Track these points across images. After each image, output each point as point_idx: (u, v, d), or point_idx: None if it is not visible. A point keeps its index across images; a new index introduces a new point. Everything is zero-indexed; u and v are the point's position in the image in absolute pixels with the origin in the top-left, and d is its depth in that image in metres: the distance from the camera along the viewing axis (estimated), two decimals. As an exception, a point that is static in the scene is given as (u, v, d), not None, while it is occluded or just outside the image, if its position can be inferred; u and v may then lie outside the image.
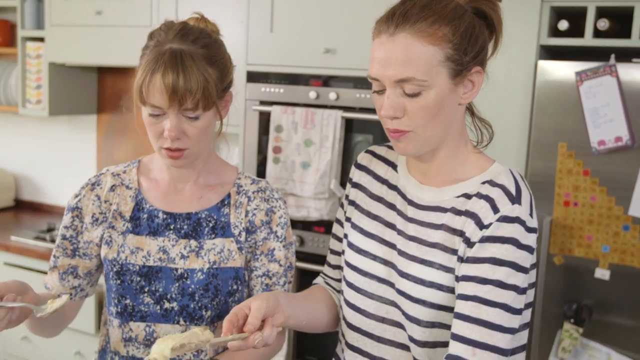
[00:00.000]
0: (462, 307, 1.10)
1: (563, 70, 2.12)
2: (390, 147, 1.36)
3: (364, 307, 1.27)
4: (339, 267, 1.41)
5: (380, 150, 1.37)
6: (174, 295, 1.39)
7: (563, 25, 2.19)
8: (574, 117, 2.11)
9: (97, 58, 3.25)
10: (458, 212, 1.17)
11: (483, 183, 1.18)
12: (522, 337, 1.22)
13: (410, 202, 1.24)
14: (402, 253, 1.21)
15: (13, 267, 3.18)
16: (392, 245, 1.24)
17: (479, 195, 1.15)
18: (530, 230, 1.12)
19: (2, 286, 1.25)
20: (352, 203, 1.35)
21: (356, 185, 1.36)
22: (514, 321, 1.10)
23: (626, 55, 2.14)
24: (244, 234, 1.42)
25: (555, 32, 2.24)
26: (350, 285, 1.30)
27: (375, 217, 1.29)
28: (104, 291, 1.57)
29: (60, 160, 3.81)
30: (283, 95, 2.61)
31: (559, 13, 2.28)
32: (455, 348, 1.08)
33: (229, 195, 1.45)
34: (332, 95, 2.50)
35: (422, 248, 1.19)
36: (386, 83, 1.12)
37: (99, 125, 3.70)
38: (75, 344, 3.12)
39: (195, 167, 1.43)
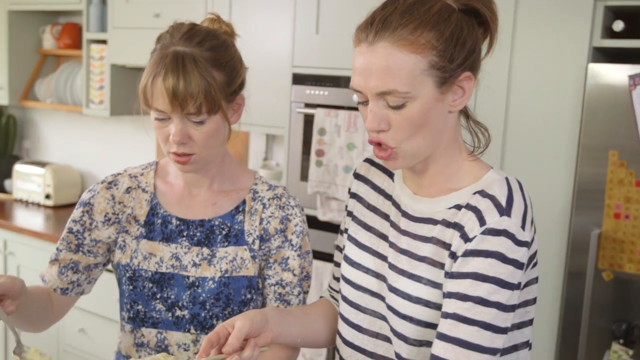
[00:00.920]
0: (441, 325, 1.04)
1: (615, 74, 1.99)
2: None
3: (357, 322, 1.22)
4: None
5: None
6: (185, 304, 1.37)
7: (618, 25, 2.06)
8: (625, 124, 1.98)
9: (155, 60, 3.31)
10: (448, 225, 1.10)
11: (474, 193, 1.09)
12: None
13: (404, 214, 1.18)
14: (392, 267, 1.15)
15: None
16: (384, 258, 1.18)
17: (468, 207, 1.08)
18: (520, 243, 1.03)
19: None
20: (349, 214, 1.30)
21: (354, 196, 1.30)
22: (496, 340, 1.01)
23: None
24: (257, 242, 1.38)
25: (610, 33, 2.11)
26: (344, 299, 1.24)
27: (370, 229, 1.23)
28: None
29: (122, 158, 3.91)
30: (327, 98, 2.58)
31: (615, 13, 2.15)
32: None
33: (243, 202, 1.41)
34: (375, 98, 2.45)
35: (412, 262, 1.12)
36: (368, 95, 1.06)
37: (159, 126, 3.78)
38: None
39: (208, 172, 1.40)
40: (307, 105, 2.63)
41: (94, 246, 1.43)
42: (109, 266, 1.47)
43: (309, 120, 2.62)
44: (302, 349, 1.58)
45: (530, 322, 1.16)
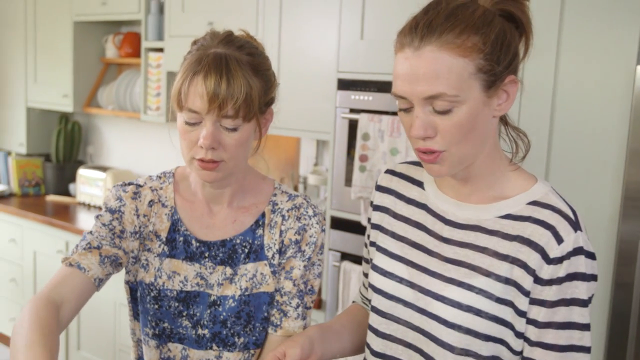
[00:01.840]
0: (543, 356, 1.06)
1: (665, 76, 1.91)
2: (413, 164, 1.28)
3: (389, 332, 1.20)
4: None
5: (401, 168, 1.29)
6: (206, 322, 1.35)
7: (669, 25, 1.98)
8: (675, 128, 1.90)
9: (208, 67, 3.39)
10: (506, 236, 1.09)
11: (530, 204, 1.09)
12: None
13: (447, 221, 1.16)
14: (437, 275, 1.13)
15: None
16: (420, 268, 1.16)
17: (533, 220, 1.07)
18: (594, 257, 1.07)
19: None
20: (376, 227, 1.28)
21: (378, 208, 1.29)
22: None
23: None
24: (277, 256, 1.36)
25: (661, 33, 2.02)
26: (375, 309, 1.23)
27: (400, 238, 1.22)
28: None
29: (177, 163, 4.00)
30: (372, 103, 2.58)
31: (667, 12, 2.06)
32: None
33: (263, 215, 1.37)
34: (419, 103, 2.43)
35: (460, 270, 1.11)
36: (414, 101, 1.04)
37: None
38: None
39: (229, 187, 1.36)
40: (352, 111, 2.63)
41: (124, 257, 1.36)
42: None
43: (353, 126, 2.62)
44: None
45: None
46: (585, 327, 1.05)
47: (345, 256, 2.70)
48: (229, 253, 1.35)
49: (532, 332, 1.07)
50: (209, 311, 1.34)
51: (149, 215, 1.37)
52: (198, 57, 1.22)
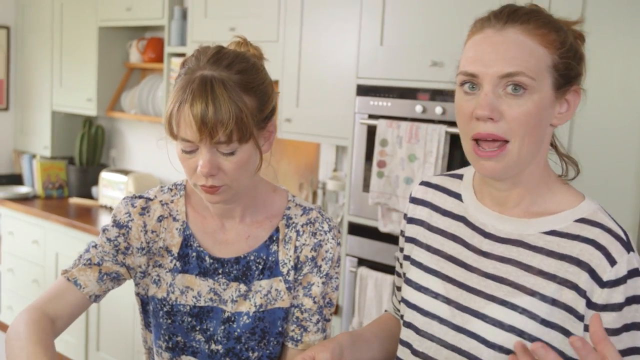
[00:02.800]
0: None
1: (687, 84, 1.89)
2: (449, 175, 1.25)
3: (422, 350, 1.15)
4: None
5: (437, 180, 1.26)
6: (219, 338, 1.33)
7: (692, 33, 1.95)
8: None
9: (229, 72, 3.42)
10: (551, 254, 1.05)
11: (578, 221, 1.05)
12: None
13: (486, 234, 1.12)
14: (477, 292, 1.09)
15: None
16: (457, 283, 1.12)
17: (582, 239, 1.03)
18: None
19: None
20: (410, 240, 1.24)
21: (412, 221, 1.25)
22: None
23: None
24: (292, 272, 1.33)
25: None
26: (408, 325, 1.18)
27: (436, 251, 1.17)
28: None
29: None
30: (390, 109, 2.58)
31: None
32: None
33: (277, 230, 1.34)
34: (438, 110, 2.42)
35: (502, 288, 1.06)
36: (486, 80, 1.01)
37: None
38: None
39: (239, 202, 1.32)
40: (371, 117, 2.63)
41: (128, 273, 1.36)
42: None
43: (371, 131, 2.62)
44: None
45: None
46: None
47: (362, 262, 2.69)
48: (243, 270, 1.33)
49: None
50: (223, 327, 1.32)
51: (158, 231, 1.34)
52: (184, 83, 1.18)
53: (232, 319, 1.32)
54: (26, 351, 1.13)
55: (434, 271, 1.16)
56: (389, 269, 2.60)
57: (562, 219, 1.07)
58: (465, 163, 2.42)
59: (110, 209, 4.17)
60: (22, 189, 4.49)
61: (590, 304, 1.01)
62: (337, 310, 2.77)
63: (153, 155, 4.37)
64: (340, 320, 2.77)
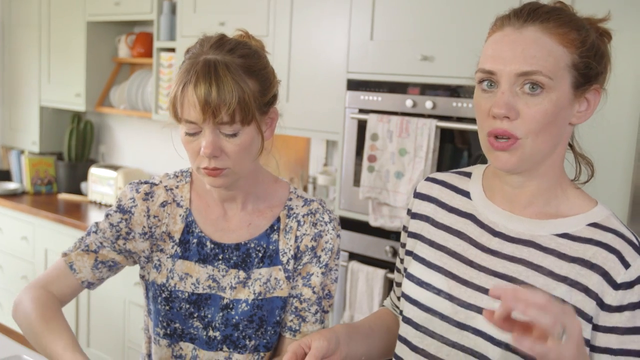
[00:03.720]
0: None
1: (675, 78, 1.90)
2: (456, 173, 1.24)
3: (422, 347, 1.14)
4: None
5: (443, 176, 1.25)
6: (217, 325, 1.34)
7: (680, 27, 1.97)
8: (685, 130, 1.89)
9: (219, 67, 3.41)
10: (563, 257, 1.05)
11: (590, 225, 1.06)
12: None
13: (496, 233, 1.11)
14: (484, 290, 1.08)
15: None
16: (461, 280, 1.11)
17: (595, 243, 1.04)
18: None
19: None
20: (414, 235, 1.23)
21: (417, 216, 1.24)
22: None
23: None
24: (292, 262, 1.34)
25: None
26: (408, 321, 1.17)
27: (439, 247, 1.16)
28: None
29: (188, 163, 4.02)
30: (380, 104, 2.58)
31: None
32: None
33: (278, 220, 1.36)
34: (428, 104, 2.43)
35: (510, 286, 1.06)
36: (503, 78, 1.02)
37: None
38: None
39: (241, 188, 1.34)
40: (361, 111, 2.64)
41: (131, 254, 1.39)
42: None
43: (362, 126, 2.63)
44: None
45: None
46: None
47: (353, 256, 2.70)
48: (242, 257, 1.34)
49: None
50: (221, 314, 1.34)
51: (160, 217, 1.36)
52: (188, 67, 1.21)
53: (231, 305, 1.33)
54: (41, 317, 1.27)
55: (436, 267, 1.15)
56: (379, 263, 2.61)
57: (575, 222, 1.07)
58: (455, 158, 2.44)
59: (100, 204, 4.15)
60: (11, 185, 4.46)
61: (603, 306, 1.01)
62: (328, 305, 2.78)
63: (142, 150, 4.35)
64: (332, 314, 2.78)
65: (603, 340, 1.02)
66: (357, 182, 2.66)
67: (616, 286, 1.00)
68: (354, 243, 2.70)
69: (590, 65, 1.03)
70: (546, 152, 1.06)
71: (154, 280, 1.36)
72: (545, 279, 1.04)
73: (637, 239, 1.05)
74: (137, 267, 1.43)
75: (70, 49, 4.19)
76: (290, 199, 1.38)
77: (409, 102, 2.48)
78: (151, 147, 4.30)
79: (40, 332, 1.26)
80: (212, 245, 1.34)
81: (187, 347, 1.37)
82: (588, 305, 1.02)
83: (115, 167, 4.16)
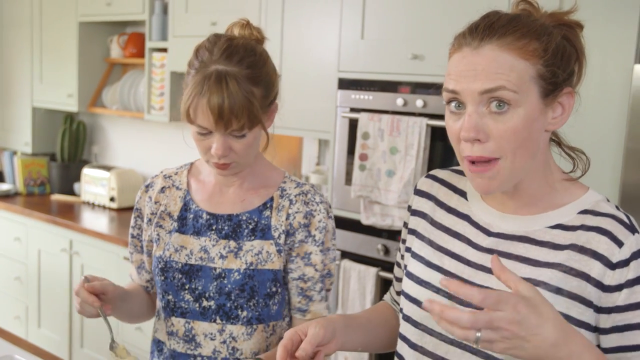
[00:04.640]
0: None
1: (662, 75, 1.92)
2: (456, 171, 1.24)
3: (421, 344, 1.15)
4: None
5: (443, 174, 1.25)
6: (211, 294, 1.42)
7: (667, 25, 1.98)
8: (672, 127, 1.90)
9: (211, 67, 3.41)
10: (557, 247, 1.05)
11: (581, 212, 1.06)
12: None
13: (491, 234, 1.12)
14: (482, 287, 1.07)
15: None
16: (460, 279, 1.11)
17: (587, 228, 1.04)
18: None
19: (100, 287, 1.38)
20: (412, 232, 1.24)
21: (416, 213, 1.25)
22: None
23: None
24: (283, 236, 1.42)
25: (659, 32, 2.03)
26: (408, 319, 1.18)
27: (439, 248, 1.17)
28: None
29: (181, 162, 4.03)
30: (372, 102, 2.59)
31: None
32: None
33: (271, 199, 1.45)
34: (419, 103, 2.44)
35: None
36: (468, 99, 1.00)
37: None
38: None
39: (242, 172, 1.46)
40: (353, 110, 2.65)
41: (147, 245, 1.53)
42: None
43: (353, 125, 2.63)
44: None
45: None
46: None
47: (345, 254, 2.71)
48: (233, 227, 1.44)
49: (618, 339, 1.03)
50: (215, 283, 1.42)
51: (161, 200, 1.51)
52: (202, 78, 1.31)
53: (223, 275, 1.42)
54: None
55: (436, 266, 1.16)
56: (371, 262, 2.62)
57: (566, 212, 1.08)
58: (446, 156, 2.45)
59: (93, 205, 4.15)
60: (3, 186, 4.45)
61: (604, 288, 1.02)
62: (320, 303, 2.79)
63: (135, 150, 4.35)
64: (324, 312, 2.79)
65: (609, 320, 1.03)
66: (348, 181, 2.67)
67: (612, 266, 1.01)
68: (346, 242, 2.71)
69: (556, 72, 1.01)
70: (526, 167, 1.05)
71: (154, 253, 1.49)
72: (541, 270, 1.05)
73: (628, 217, 1.05)
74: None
75: (62, 50, 4.18)
76: (285, 182, 1.48)
77: (399, 101, 2.49)
78: (144, 147, 4.30)
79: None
80: (208, 217, 1.46)
81: (178, 323, 1.45)
82: (585, 290, 1.02)
83: (108, 168, 4.16)
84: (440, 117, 2.40)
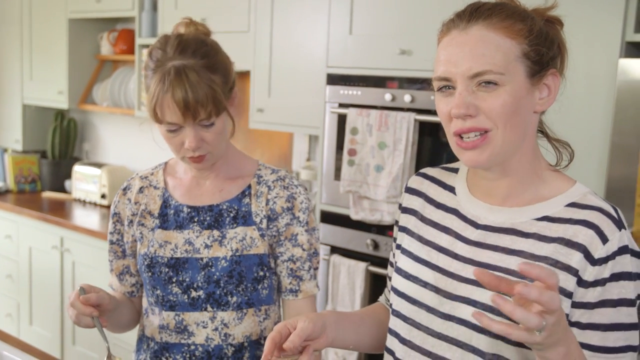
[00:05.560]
0: (590, 357, 1.03)
1: (647, 69, 1.93)
2: (446, 169, 1.26)
3: (409, 338, 1.16)
4: None
5: (433, 172, 1.27)
6: (200, 284, 1.44)
7: (652, 19, 1.99)
8: (657, 120, 1.91)
9: (201, 63, 3.41)
10: (544, 238, 1.06)
11: (568, 205, 1.07)
12: None
13: (479, 226, 1.13)
14: (470, 281, 1.09)
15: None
16: (447, 273, 1.13)
17: (575, 221, 1.05)
18: (639, 255, 1.05)
19: (96, 299, 1.37)
20: (403, 229, 1.25)
21: (406, 210, 1.26)
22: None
23: None
24: (265, 221, 1.46)
25: (644, 27, 2.04)
26: (397, 314, 1.20)
27: (428, 243, 1.19)
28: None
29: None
30: (360, 98, 2.60)
31: (650, 6, 2.08)
32: None
33: (249, 187, 1.49)
34: (407, 98, 2.45)
35: (495, 274, 1.06)
36: (458, 80, 1.03)
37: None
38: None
39: (216, 164, 1.49)
40: (341, 105, 2.65)
41: (130, 247, 1.54)
42: None
43: (342, 120, 2.64)
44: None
45: None
46: (633, 326, 1.03)
47: (334, 250, 2.72)
48: (215, 217, 1.47)
49: (576, 334, 1.03)
50: (202, 273, 1.45)
51: (140, 201, 1.52)
52: (161, 75, 1.34)
53: (210, 263, 1.45)
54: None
55: (424, 261, 1.17)
56: (361, 257, 2.63)
57: (554, 204, 1.08)
58: (434, 150, 2.46)
59: (84, 202, 4.15)
60: (-6, 184, 4.44)
61: (580, 282, 1.03)
62: (311, 298, 2.80)
63: (126, 147, 4.35)
64: (314, 308, 2.80)
65: (575, 315, 1.04)
66: (338, 176, 2.68)
67: (594, 262, 1.02)
68: (336, 237, 2.72)
69: (541, 51, 1.05)
70: (516, 144, 1.07)
71: (139, 252, 1.50)
72: (527, 261, 1.05)
73: (616, 212, 1.06)
74: None
75: (52, 47, 4.17)
76: (260, 169, 1.53)
77: (388, 96, 2.50)
78: (135, 143, 4.29)
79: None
80: (189, 210, 1.48)
81: (168, 316, 1.48)
82: (570, 283, 1.03)
83: (99, 165, 4.15)
84: (429, 112, 2.41)
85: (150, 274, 1.47)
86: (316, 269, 1.50)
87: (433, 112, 2.40)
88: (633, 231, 1.95)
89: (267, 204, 1.47)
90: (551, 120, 2.03)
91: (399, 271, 1.20)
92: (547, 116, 2.15)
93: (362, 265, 2.58)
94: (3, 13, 4.48)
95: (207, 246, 1.45)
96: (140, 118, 4.06)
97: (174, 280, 1.46)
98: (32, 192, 4.44)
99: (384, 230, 2.57)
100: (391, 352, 1.21)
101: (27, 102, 4.38)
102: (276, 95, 3.02)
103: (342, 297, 2.64)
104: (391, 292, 1.23)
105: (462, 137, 1.06)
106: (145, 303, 1.55)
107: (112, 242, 1.57)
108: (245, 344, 1.47)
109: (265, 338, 1.46)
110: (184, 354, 1.47)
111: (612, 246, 1.02)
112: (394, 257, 1.30)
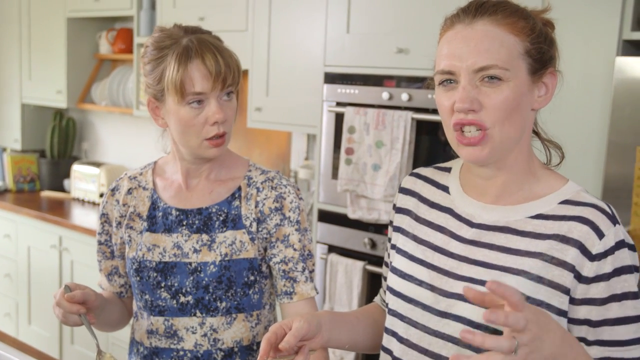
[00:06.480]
0: (602, 352, 1.04)
1: (643, 67, 1.92)
2: (439, 169, 1.27)
3: (406, 337, 1.17)
4: None
5: (426, 172, 1.28)
6: (188, 289, 1.41)
7: (649, 17, 1.99)
8: (653, 119, 1.91)
9: (199, 62, 3.41)
10: (539, 236, 1.07)
11: (562, 203, 1.08)
12: None
13: (473, 225, 1.14)
14: (466, 279, 1.10)
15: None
16: (442, 271, 1.13)
17: (569, 218, 1.06)
18: (635, 248, 1.06)
19: (82, 296, 1.34)
20: (397, 229, 1.26)
21: (400, 211, 1.27)
22: None
23: None
24: (255, 224, 1.42)
25: (640, 25, 2.04)
26: (394, 313, 1.20)
27: (422, 242, 1.19)
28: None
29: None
30: (357, 96, 2.59)
31: (647, 4, 2.07)
32: None
33: (239, 189, 1.45)
34: (404, 96, 2.44)
35: (490, 272, 1.08)
36: (462, 74, 1.04)
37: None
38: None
39: (207, 161, 1.45)
40: (339, 104, 2.65)
41: (118, 249, 1.51)
42: None
43: (340, 119, 2.64)
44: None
45: None
46: (639, 318, 1.05)
47: (332, 248, 2.71)
48: (204, 220, 1.44)
49: (588, 332, 1.05)
50: (191, 278, 1.41)
51: (129, 202, 1.50)
52: (181, 49, 1.31)
53: (199, 268, 1.41)
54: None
55: (419, 260, 1.18)
56: (358, 255, 2.63)
57: (547, 202, 1.09)
58: (432, 149, 2.45)
59: (83, 201, 4.15)
60: (-7, 183, 4.45)
61: (581, 278, 1.04)
62: (308, 297, 2.79)
63: (125, 146, 4.34)
64: (312, 307, 2.79)
65: (582, 312, 1.04)
66: (335, 175, 2.67)
67: (592, 257, 1.03)
68: (334, 236, 2.71)
69: (542, 49, 1.07)
70: (514, 140, 1.08)
71: (127, 255, 1.47)
72: (522, 259, 1.06)
73: (610, 208, 1.07)
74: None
75: (50, 46, 4.17)
76: (250, 171, 1.49)
77: (385, 95, 2.50)
78: (133, 143, 4.29)
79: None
80: (177, 213, 1.45)
81: (157, 322, 1.45)
82: (567, 279, 1.04)
83: (98, 164, 4.15)
84: (426, 110, 2.41)
85: (138, 278, 1.44)
86: (312, 271, 1.45)
87: (430, 111, 2.39)
88: (630, 229, 1.95)
89: (256, 206, 1.43)
90: (548, 119, 2.03)
91: (395, 271, 1.21)
92: (543, 114, 2.15)
93: (359, 264, 2.58)
94: (2, 12, 4.48)
95: (195, 251, 1.42)
96: (140, 117, 4.07)
97: (162, 285, 1.43)
98: (31, 192, 4.44)
99: (382, 229, 2.57)
100: (389, 352, 1.21)
101: (26, 101, 4.38)
102: (274, 94, 3.02)
103: (340, 296, 2.64)
104: (387, 291, 1.23)
105: (462, 132, 1.07)
106: (135, 306, 1.53)
107: (100, 243, 1.54)
108: (236, 349, 1.44)
109: (258, 344, 1.45)
110: (173, 359, 1.45)
111: (609, 241, 1.03)
112: (388, 257, 1.31)
